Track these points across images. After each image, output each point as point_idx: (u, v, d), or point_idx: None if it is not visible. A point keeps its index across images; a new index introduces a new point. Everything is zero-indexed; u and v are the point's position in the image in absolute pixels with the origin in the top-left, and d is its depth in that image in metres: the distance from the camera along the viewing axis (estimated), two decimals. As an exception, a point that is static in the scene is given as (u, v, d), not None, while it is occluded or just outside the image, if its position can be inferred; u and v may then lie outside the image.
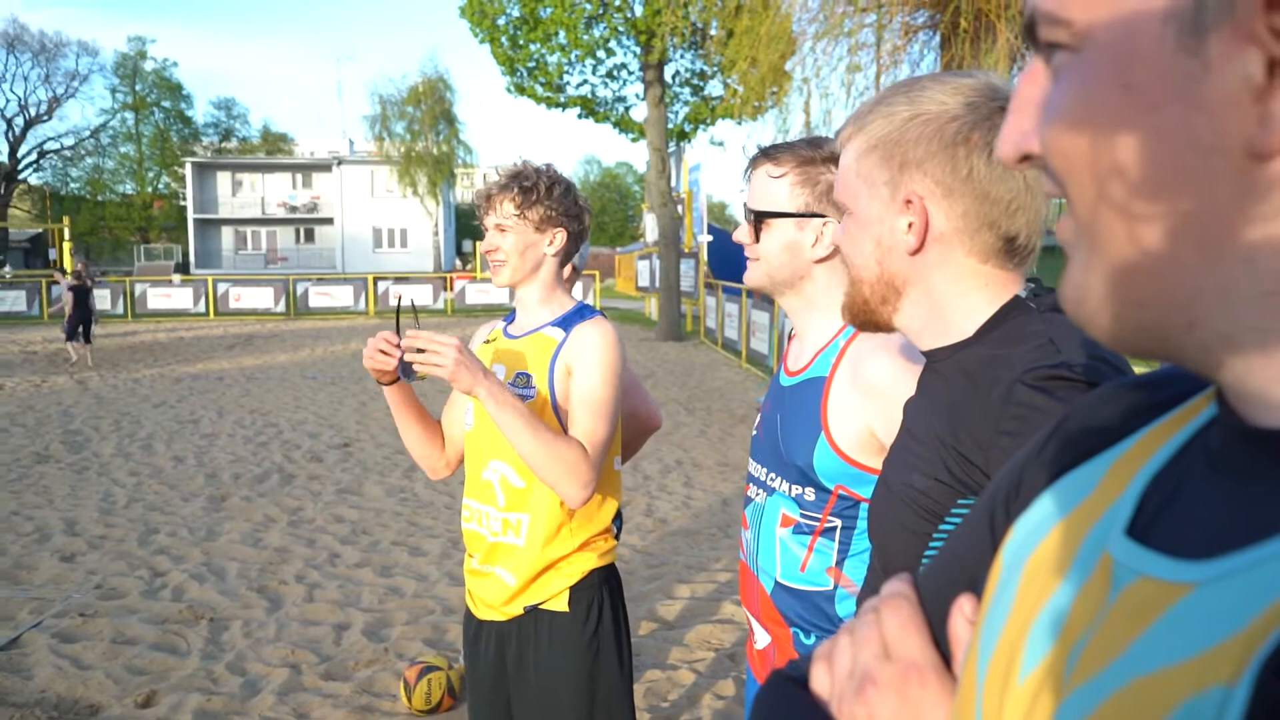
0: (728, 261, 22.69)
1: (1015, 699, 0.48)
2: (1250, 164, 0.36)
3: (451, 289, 27.52)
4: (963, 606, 0.61)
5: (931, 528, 1.04)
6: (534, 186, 2.13)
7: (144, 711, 3.78)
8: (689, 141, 21.10)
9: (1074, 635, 0.46)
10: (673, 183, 20.19)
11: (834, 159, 1.62)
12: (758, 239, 1.68)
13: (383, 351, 2.04)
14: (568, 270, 2.35)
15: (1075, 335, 1.00)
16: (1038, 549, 0.53)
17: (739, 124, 15.84)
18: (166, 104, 57.18)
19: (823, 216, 1.63)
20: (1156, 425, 0.52)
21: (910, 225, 1.08)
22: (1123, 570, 0.45)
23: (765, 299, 14.25)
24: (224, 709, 3.80)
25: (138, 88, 55.65)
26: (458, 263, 51.56)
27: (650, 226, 22.14)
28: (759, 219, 1.66)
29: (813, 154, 1.64)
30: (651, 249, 22.54)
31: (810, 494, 1.62)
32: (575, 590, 2.14)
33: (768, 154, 1.68)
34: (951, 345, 1.11)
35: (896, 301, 1.12)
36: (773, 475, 1.69)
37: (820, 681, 0.66)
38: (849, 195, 1.14)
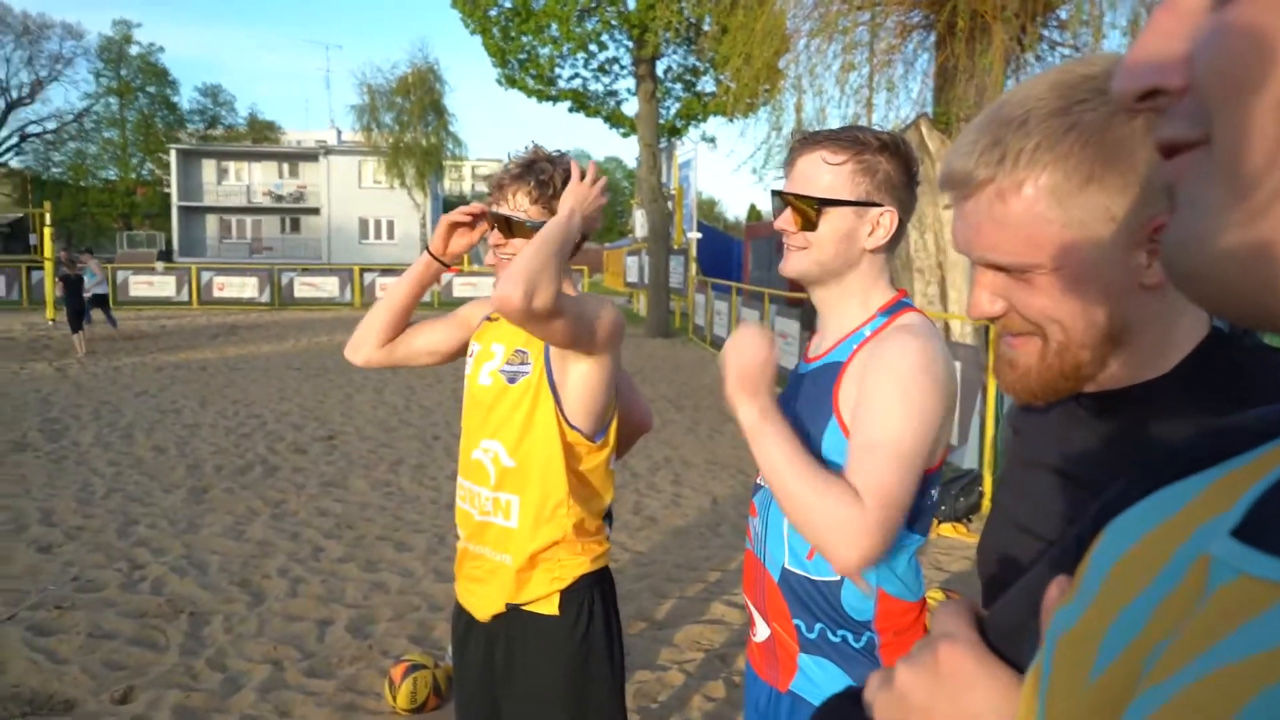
0: (716, 259, 22.69)
1: (1085, 698, 0.46)
2: None
3: (439, 282, 27.36)
4: (1061, 582, 0.57)
5: None
6: (550, 180, 2.05)
7: (121, 708, 3.69)
8: (680, 138, 21.03)
9: (1156, 635, 0.43)
10: (663, 179, 20.11)
11: (886, 147, 1.60)
12: (810, 226, 1.62)
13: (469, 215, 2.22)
14: None
15: None
16: (1126, 553, 0.50)
17: (730, 121, 15.78)
18: (151, 89, 56.58)
19: (881, 206, 1.62)
20: (1269, 449, 0.48)
21: (1152, 255, 0.87)
22: (1221, 567, 0.41)
23: (755, 297, 14.22)
24: (204, 706, 3.72)
25: (122, 72, 55.04)
26: (445, 255, 51.28)
27: (640, 222, 22.08)
28: (820, 206, 1.61)
29: (868, 141, 1.60)
30: (640, 245, 22.48)
31: None
32: (566, 594, 2.08)
33: (820, 140, 1.62)
34: (1140, 385, 0.92)
35: (1110, 355, 0.90)
36: None
37: (871, 691, 0.65)
38: (1050, 251, 0.88)
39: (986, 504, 6.39)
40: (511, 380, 2.07)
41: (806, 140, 1.64)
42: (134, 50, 55.57)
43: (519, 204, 2.05)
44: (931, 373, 1.51)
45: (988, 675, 0.58)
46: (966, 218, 0.92)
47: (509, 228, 2.05)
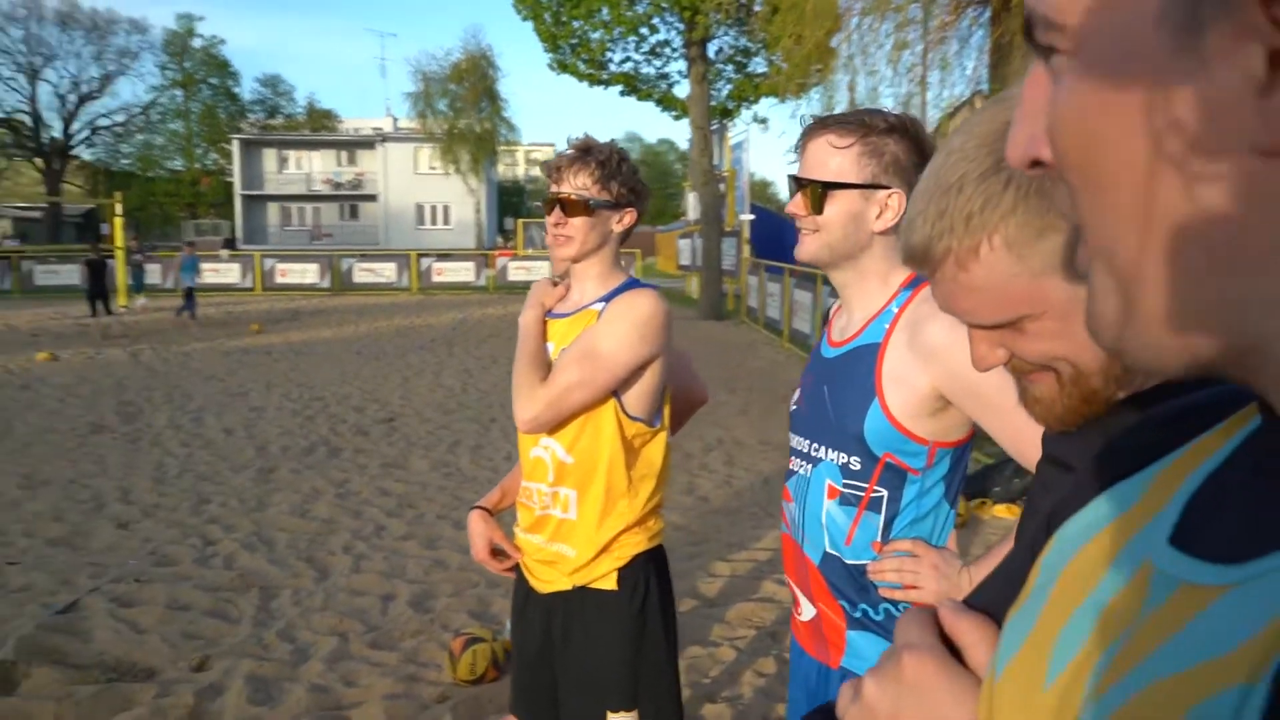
0: (769, 240, 22.60)
1: (1041, 701, 0.48)
2: (1260, 162, 0.33)
3: (494, 266, 27.69)
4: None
5: None
6: (608, 161, 2.12)
7: (198, 675, 3.88)
8: (732, 119, 20.96)
9: (1105, 640, 0.45)
10: (715, 160, 20.09)
11: (895, 129, 1.60)
12: (817, 210, 1.63)
13: None
14: None
15: None
16: (1075, 557, 0.53)
17: (782, 102, 15.68)
18: (214, 81, 57.87)
19: (888, 188, 1.62)
20: (1203, 438, 0.51)
21: None
22: (1162, 578, 0.44)
23: (808, 279, 14.16)
24: (275, 674, 3.90)
25: (186, 65, 56.33)
26: (499, 240, 51.78)
27: (692, 205, 22.09)
28: (825, 190, 1.62)
29: (874, 124, 1.61)
30: (693, 227, 22.49)
31: (857, 463, 1.63)
32: (623, 570, 2.16)
33: (828, 124, 1.63)
34: (1132, 396, 0.94)
35: (1122, 372, 0.90)
36: (817, 446, 1.69)
37: (843, 705, 0.67)
38: (1027, 302, 0.87)
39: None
40: None
41: (816, 125, 1.65)
42: (197, 43, 56.85)
43: (580, 184, 2.12)
44: None
45: (950, 680, 0.61)
46: (939, 288, 0.91)
47: (566, 208, 2.11)
